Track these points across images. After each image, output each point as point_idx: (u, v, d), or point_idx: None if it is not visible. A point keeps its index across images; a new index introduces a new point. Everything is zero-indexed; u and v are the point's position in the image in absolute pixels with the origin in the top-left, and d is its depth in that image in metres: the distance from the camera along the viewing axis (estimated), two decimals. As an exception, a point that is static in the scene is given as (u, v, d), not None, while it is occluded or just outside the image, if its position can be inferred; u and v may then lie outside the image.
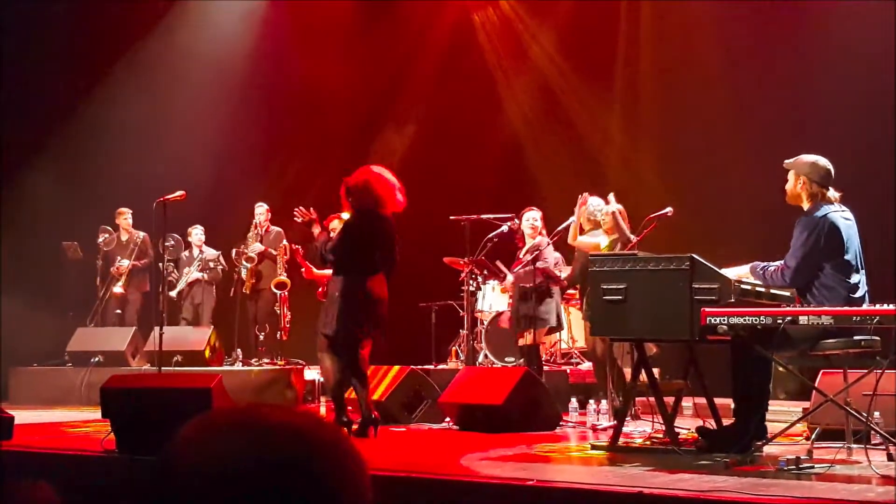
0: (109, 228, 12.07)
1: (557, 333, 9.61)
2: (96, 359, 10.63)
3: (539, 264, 8.48)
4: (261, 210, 11.52)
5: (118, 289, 11.82)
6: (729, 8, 11.21)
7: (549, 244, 8.62)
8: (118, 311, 11.95)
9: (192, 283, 11.85)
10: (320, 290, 9.62)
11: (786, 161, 5.92)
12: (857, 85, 9.76)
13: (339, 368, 7.00)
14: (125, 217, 12.00)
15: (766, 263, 5.88)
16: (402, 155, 13.41)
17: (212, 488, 1.07)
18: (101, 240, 12.01)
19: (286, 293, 10.99)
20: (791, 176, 5.86)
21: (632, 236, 7.98)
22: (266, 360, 11.07)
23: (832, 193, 5.79)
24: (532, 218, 8.81)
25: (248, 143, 13.17)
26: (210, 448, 1.10)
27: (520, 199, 9.58)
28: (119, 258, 11.87)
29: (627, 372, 7.87)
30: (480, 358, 10.10)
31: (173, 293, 11.67)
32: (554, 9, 12.51)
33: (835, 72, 10.02)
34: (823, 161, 5.84)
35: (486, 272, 10.23)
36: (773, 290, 5.94)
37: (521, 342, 8.75)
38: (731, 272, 5.84)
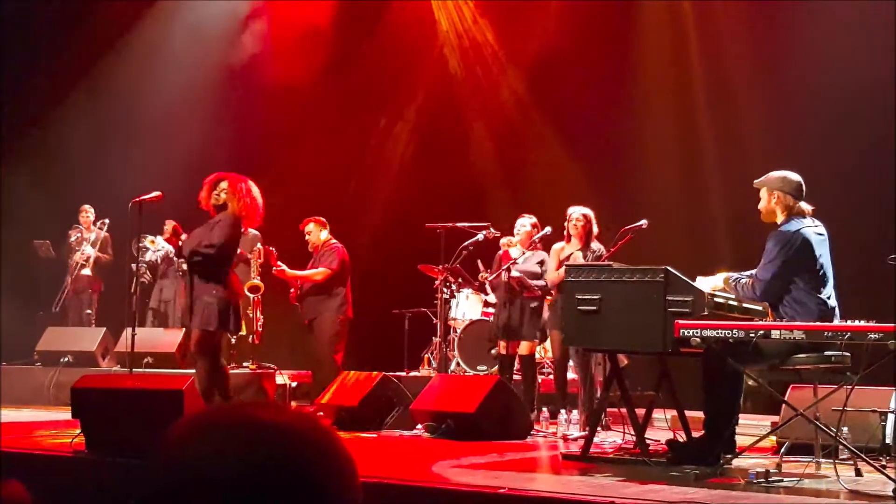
0: (81, 227, 12.02)
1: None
2: (66, 359, 10.54)
3: (514, 273, 8.47)
4: (235, 212, 11.47)
5: (87, 272, 11.78)
6: (708, 21, 11.30)
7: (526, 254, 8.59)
8: (88, 311, 11.89)
9: (161, 277, 11.82)
10: (293, 291, 9.61)
11: (755, 181, 5.97)
12: (834, 98, 9.84)
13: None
14: (86, 214, 11.98)
15: (738, 275, 5.93)
16: (379, 162, 13.42)
17: (204, 487, 1.07)
18: (72, 238, 11.96)
19: (259, 297, 10.93)
20: (764, 193, 5.90)
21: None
22: (239, 364, 11.01)
23: (805, 206, 5.85)
24: (520, 225, 8.76)
25: (225, 145, 13.11)
26: (202, 446, 1.10)
27: (496, 209, 9.60)
28: (85, 244, 11.84)
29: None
30: (453, 366, 10.10)
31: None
32: (535, 20, 12.56)
33: (812, 85, 10.10)
34: (793, 174, 5.90)
35: (460, 280, 10.24)
36: (745, 304, 5.99)
37: (505, 351, 8.64)
38: (706, 282, 5.88)
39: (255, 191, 7.44)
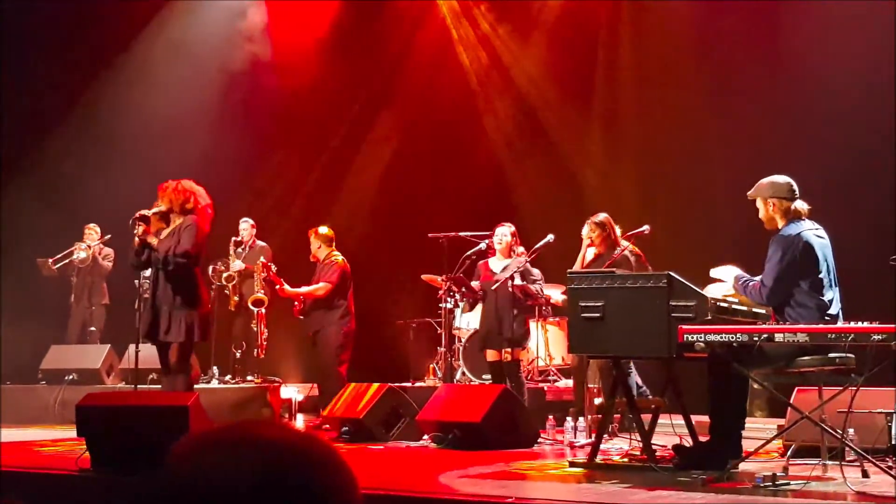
0: (84, 245, 12.01)
1: (533, 350, 9.65)
2: (70, 377, 10.55)
3: (519, 281, 8.48)
4: (245, 225, 11.38)
5: (83, 253, 11.82)
6: (709, 26, 11.29)
7: (526, 261, 8.62)
8: (92, 328, 11.88)
9: None
10: (296, 306, 9.61)
11: (748, 193, 5.99)
12: (835, 102, 9.83)
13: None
14: (89, 231, 11.99)
15: (748, 276, 5.92)
16: (382, 172, 13.41)
17: (201, 502, 1.07)
18: (75, 256, 11.95)
19: (263, 311, 10.92)
20: (759, 204, 5.94)
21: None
22: (244, 377, 11.00)
23: (801, 205, 5.86)
24: (501, 234, 8.83)
25: (229, 158, 13.12)
26: (205, 464, 1.10)
27: (498, 218, 9.59)
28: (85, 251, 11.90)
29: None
30: (458, 375, 10.09)
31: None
32: (534, 28, 12.59)
33: (814, 88, 10.08)
34: (780, 178, 5.92)
35: (463, 290, 10.23)
36: (749, 308, 6.00)
37: (499, 358, 8.68)
38: (718, 276, 5.90)
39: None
